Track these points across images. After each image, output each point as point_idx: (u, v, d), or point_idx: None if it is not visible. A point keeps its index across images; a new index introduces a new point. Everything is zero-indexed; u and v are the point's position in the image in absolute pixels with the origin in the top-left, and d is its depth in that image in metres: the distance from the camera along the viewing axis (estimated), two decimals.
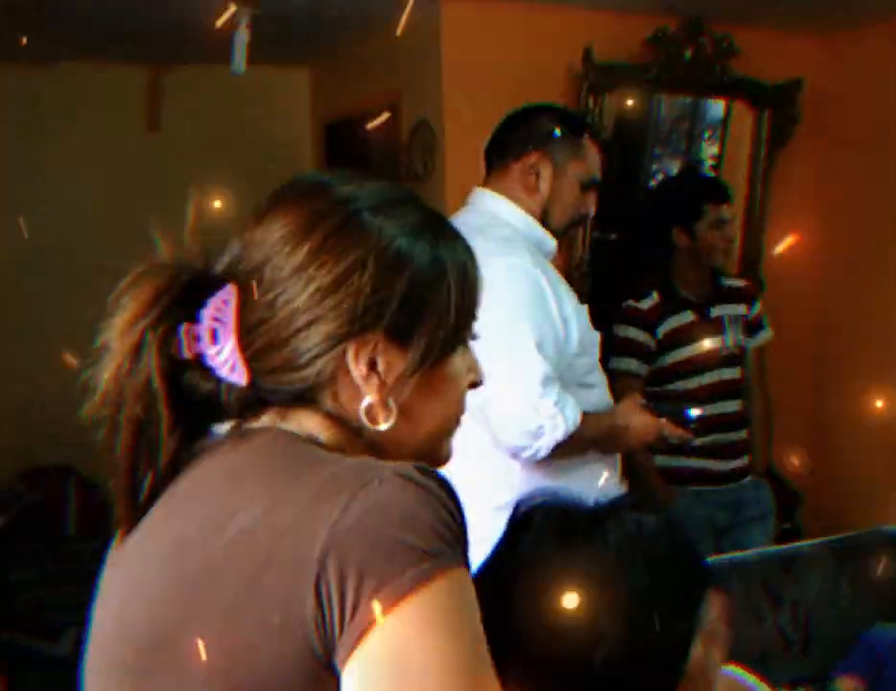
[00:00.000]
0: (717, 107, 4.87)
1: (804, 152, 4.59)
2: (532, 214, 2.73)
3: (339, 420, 1.17)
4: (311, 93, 5.33)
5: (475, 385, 1.27)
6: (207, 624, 1.05)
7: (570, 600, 1.25)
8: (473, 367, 1.26)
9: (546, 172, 2.71)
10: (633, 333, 3.84)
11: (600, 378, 2.79)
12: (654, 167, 5.15)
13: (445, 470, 1.13)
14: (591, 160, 2.77)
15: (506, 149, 2.77)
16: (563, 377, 2.58)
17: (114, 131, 4.95)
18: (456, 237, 1.23)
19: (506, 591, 1.34)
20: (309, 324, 1.14)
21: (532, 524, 1.41)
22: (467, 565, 1.05)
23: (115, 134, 4.94)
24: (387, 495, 1.03)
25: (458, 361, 1.22)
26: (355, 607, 0.99)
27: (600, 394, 2.76)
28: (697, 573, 1.41)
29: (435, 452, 1.24)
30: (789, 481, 4.49)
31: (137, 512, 1.18)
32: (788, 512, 4.42)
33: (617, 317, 3.90)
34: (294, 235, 1.15)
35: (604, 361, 3.23)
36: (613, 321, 3.88)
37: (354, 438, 1.17)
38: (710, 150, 5.13)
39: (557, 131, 2.71)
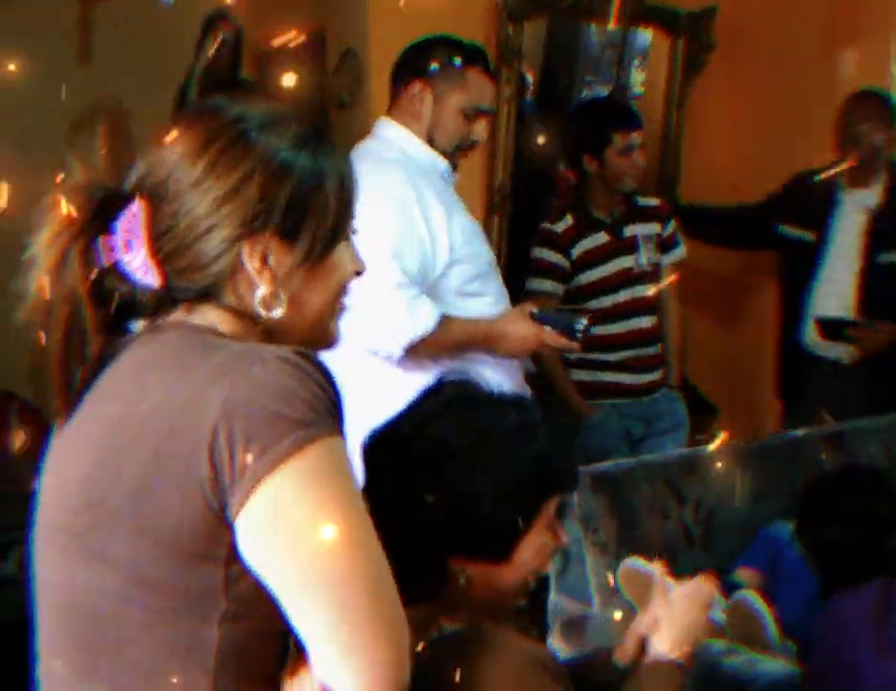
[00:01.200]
0: (645, 35, 5.01)
1: (718, 78, 4.74)
2: (422, 138, 2.93)
3: (238, 312, 1.35)
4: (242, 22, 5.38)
5: (358, 273, 1.45)
6: (127, 486, 1.24)
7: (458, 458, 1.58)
8: (354, 259, 1.44)
9: (427, 100, 2.91)
10: (547, 254, 4.01)
11: (490, 289, 2.95)
12: (586, 93, 5.28)
13: None
14: (475, 90, 2.93)
15: (398, 78, 2.99)
16: (438, 286, 2.81)
17: (44, 61, 4.97)
18: (334, 148, 1.41)
19: (405, 446, 1.56)
20: (209, 230, 1.32)
21: (443, 392, 1.67)
22: (341, 435, 1.24)
23: (46, 65, 4.96)
24: (268, 375, 1.22)
25: (340, 254, 1.41)
26: (242, 470, 1.19)
27: (488, 303, 2.94)
28: (544, 473, 1.61)
29: (322, 335, 1.43)
30: (704, 394, 4.69)
31: (71, 402, 1.36)
32: (703, 424, 4.61)
33: (534, 239, 4.07)
34: (193, 152, 1.33)
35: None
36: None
37: (252, 327, 1.35)
38: (639, 77, 5.27)
39: (435, 65, 2.90)
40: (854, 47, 4.62)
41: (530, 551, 1.67)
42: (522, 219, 4.41)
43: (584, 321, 2.92)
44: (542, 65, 5.10)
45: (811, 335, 4.11)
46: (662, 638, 1.84)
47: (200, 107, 1.46)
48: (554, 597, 3.16)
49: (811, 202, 4.13)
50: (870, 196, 4.11)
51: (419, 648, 1.49)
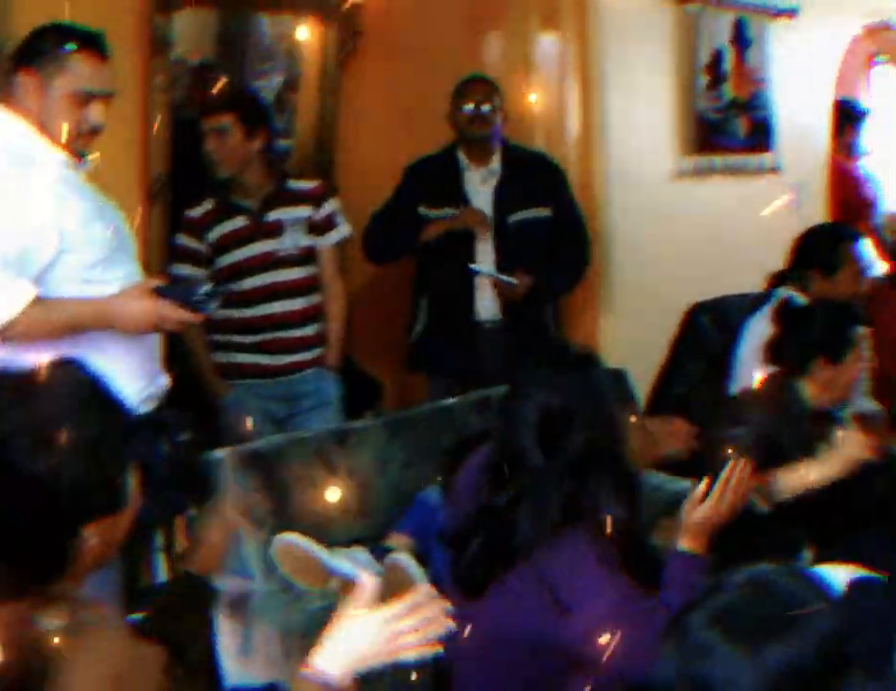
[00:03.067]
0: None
1: (369, 63, 4.86)
2: (35, 126, 2.84)
3: None
4: None
5: None
6: None
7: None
8: None
9: (33, 88, 2.83)
10: (185, 240, 4.09)
11: (117, 274, 2.90)
12: (261, 83, 5.27)
13: None
14: (82, 74, 2.85)
15: (11, 68, 2.91)
16: (54, 272, 2.77)
17: None
18: None
19: None
20: None
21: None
22: None
23: None
24: None
25: None
26: None
27: (114, 289, 2.86)
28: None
29: None
30: (369, 373, 4.79)
31: None
32: (370, 402, 4.71)
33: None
34: None
35: None
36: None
37: None
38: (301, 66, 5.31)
39: (40, 53, 2.83)
40: (497, 32, 4.83)
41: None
42: (184, 208, 4.38)
43: (206, 291, 2.93)
44: (214, 55, 5.07)
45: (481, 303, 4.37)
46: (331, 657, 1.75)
47: None
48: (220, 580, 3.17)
49: (442, 185, 4.39)
50: (491, 169, 4.43)
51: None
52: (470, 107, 4.33)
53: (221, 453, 3.09)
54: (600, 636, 2.17)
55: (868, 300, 4.48)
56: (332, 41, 4.81)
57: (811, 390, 3.29)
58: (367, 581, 1.83)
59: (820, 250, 4.03)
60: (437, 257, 4.36)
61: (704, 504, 2.50)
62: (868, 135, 6.16)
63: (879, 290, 4.54)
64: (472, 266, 4.28)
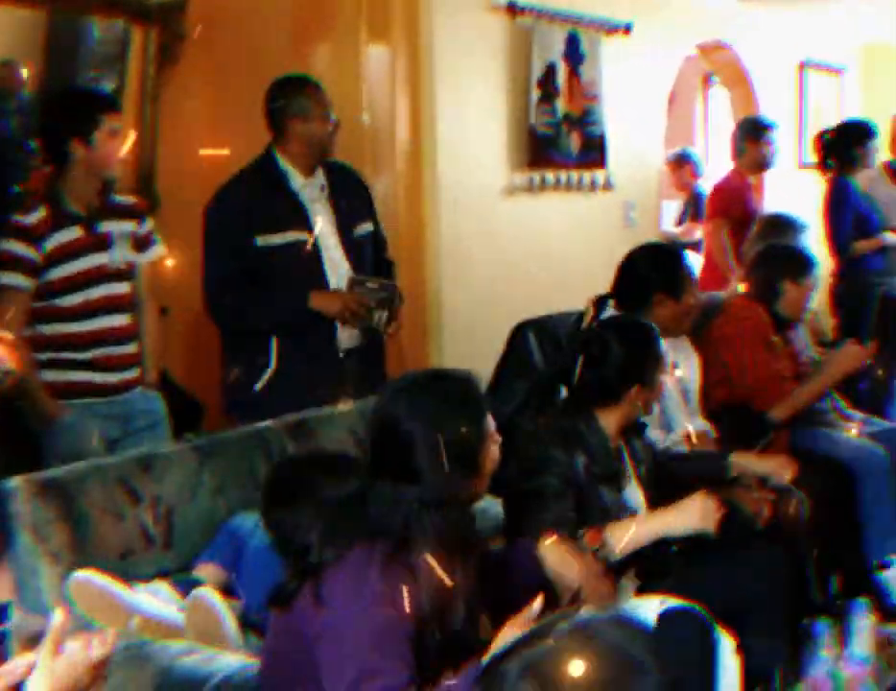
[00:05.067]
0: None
1: (193, 68, 4.70)
2: None
3: None
4: None
5: None
6: None
7: None
8: None
9: None
10: (17, 247, 3.77)
11: None
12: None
13: None
14: None
15: None
16: None
17: None
18: None
19: None
20: None
21: None
22: None
23: None
24: None
25: None
26: None
27: None
28: None
29: None
30: (189, 392, 4.63)
31: None
32: (192, 422, 4.55)
33: (3, 231, 3.84)
34: None
35: None
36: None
37: None
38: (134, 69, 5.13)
39: None
40: (325, 40, 4.72)
41: None
42: None
43: None
44: (44, 60, 4.87)
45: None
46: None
47: None
48: (16, 617, 2.99)
49: (277, 207, 4.04)
50: (320, 182, 4.10)
51: None
52: (333, 116, 4.07)
53: (14, 481, 2.90)
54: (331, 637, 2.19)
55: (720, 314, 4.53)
56: (153, 46, 4.63)
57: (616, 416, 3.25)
58: (57, 619, 1.76)
59: (661, 274, 4.00)
60: (284, 287, 4.02)
61: None
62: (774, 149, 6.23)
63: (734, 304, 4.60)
64: (354, 276, 4.01)
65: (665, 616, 2.85)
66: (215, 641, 2.80)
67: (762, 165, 6.29)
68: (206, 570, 3.08)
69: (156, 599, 2.88)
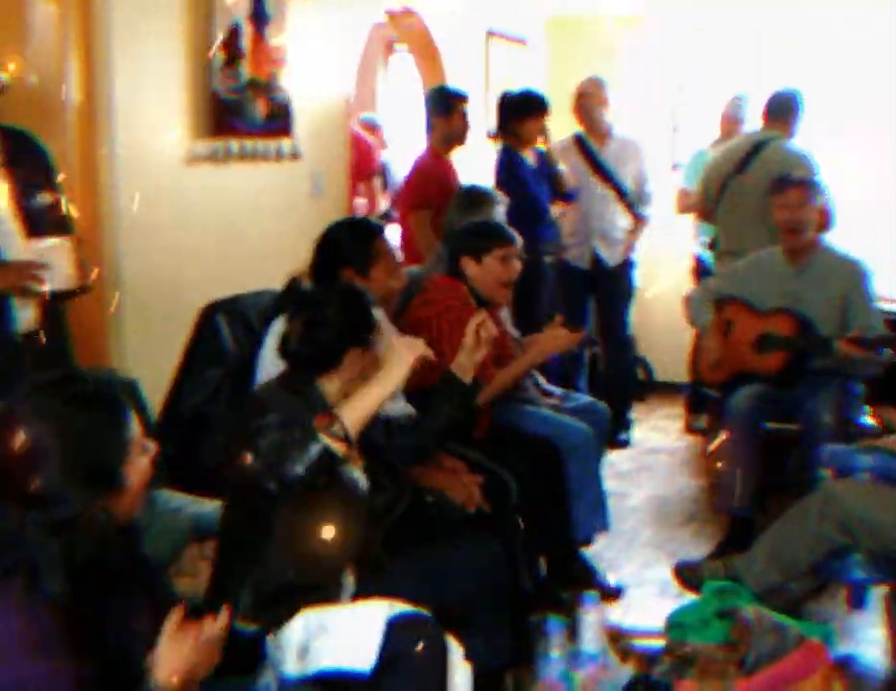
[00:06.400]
0: None
1: None
2: None
3: None
4: None
5: None
6: None
7: None
8: None
9: None
10: None
11: None
12: None
13: None
14: None
15: None
16: None
17: None
18: None
19: None
20: None
21: None
22: None
23: None
24: None
25: None
26: None
27: None
28: None
29: None
30: None
31: None
32: None
33: None
34: None
35: None
36: None
37: None
38: None
39: None
40: None
41: None
42: None
43: None
44: None
45: None
46: None
47: None
48: None
49: None
50: None
51: None
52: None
53: None
54: None
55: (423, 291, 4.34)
56: None
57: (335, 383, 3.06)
58: None
59: (350, 250, 3.79)
60: None
61: None
62: None
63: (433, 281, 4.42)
64: None
65: (395, 623, 2.66)
66: None
67: (455, 139, 6.08)
68: None
69: None
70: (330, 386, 3.05)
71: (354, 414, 2.88)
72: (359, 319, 3.11)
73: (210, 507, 3.39)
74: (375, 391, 2.94)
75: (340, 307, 3.09)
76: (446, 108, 5.99)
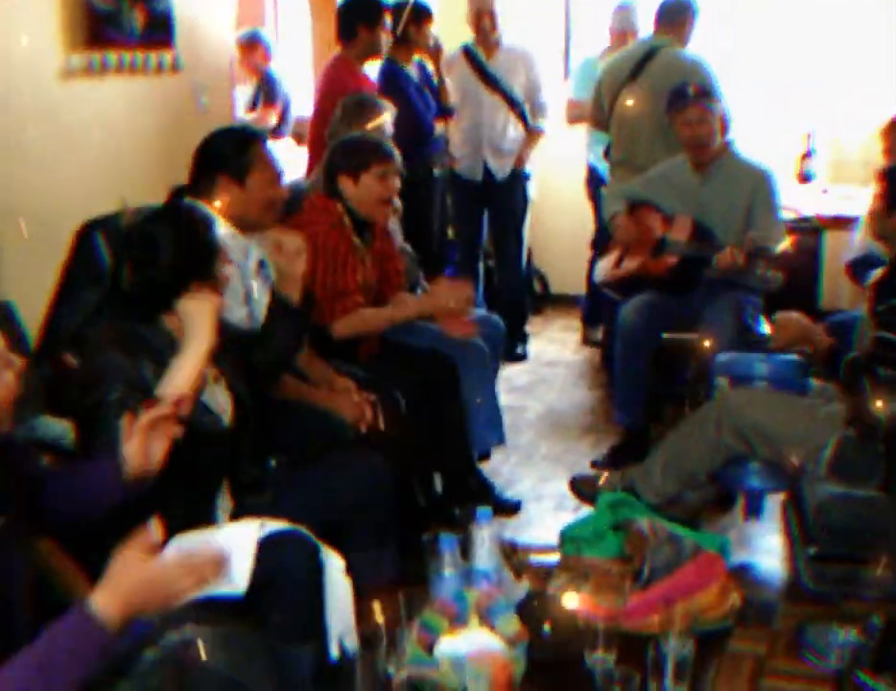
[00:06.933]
0: None
1: None
2: None
3: None
4: None
5: None
6: None
7: None
8: None
9: None
10: None
11: None
12: None
13: None
14: None
15: None
16: None
17: None
18: None
19: None
20: None
21: None
22: None
23: None
24: None
25: None
26: None
27: None
28: None
29: None
30: None
31: None
32: None
33: None
34: None
35: None
36: None
37: None
38: None
39: None
40: None
41: None
42: None
43: None
44: None
45: None
46: None
47: None
48: None
49: None
50: None
51: None
52: None
53: None
54: None
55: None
56: None
57: None
58: None
59: (226, 154, 3.63)
60: None
61: None
62: None
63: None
64: None
65: (267, 542, 2.60)
66: None
67: (374, 52, 5.86)
68: None
69: None
70: (174, 321, 2.88)
71: (177, 387, 2.68)
72: (196, 252, 2.91)
73: None
74: (186, 358, 2.76)
75: (173, 242, 2.88)
76: (372, 19, 5.76)
